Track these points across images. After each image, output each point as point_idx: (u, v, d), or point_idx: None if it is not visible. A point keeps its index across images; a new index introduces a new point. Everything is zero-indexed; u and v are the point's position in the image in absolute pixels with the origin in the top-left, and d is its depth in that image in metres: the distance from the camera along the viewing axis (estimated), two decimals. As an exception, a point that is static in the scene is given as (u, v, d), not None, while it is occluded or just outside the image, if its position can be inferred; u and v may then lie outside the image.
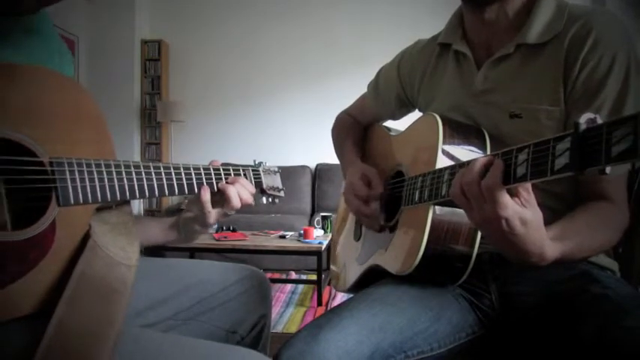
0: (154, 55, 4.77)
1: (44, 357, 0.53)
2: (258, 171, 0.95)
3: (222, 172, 0.83)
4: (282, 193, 1.02)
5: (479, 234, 0.75)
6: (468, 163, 0.67)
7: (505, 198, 0.58)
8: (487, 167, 0.59)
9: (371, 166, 0.99)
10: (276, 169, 1.03)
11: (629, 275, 0.86)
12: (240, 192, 0.82)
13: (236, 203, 0.81)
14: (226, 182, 0.82)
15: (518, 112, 0.79)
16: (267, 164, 0.99)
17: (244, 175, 0.89)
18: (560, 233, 0.67)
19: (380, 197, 0.94)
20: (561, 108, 0.76)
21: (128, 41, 4.66)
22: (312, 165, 4.64)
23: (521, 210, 0.59)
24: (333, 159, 4.38)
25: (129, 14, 4.65)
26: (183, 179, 0.76)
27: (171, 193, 0.74)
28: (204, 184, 0.79)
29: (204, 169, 0.80)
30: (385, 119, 1.15)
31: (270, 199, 0.99)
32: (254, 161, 0.97)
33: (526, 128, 0.78)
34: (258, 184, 0.93)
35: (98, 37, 4.60)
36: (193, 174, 0.78)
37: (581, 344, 0.63)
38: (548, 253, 0.63)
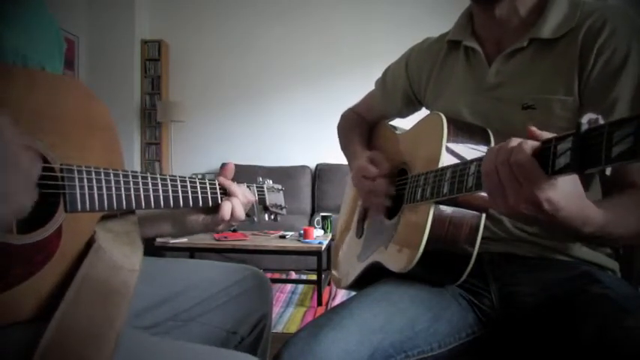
0: (154, 55, 4.76)
1: (43, 355, 0.53)
2: (262, 188, 0.98)
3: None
4: (284, 211, 1.05)
5: (480, 233, 0.75)
6: (472, 162, 0.67)
7: (541, 177, 0.52)
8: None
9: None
10: (280, 188, 1.06)
11: (630, 275, 0.86)
12: (235, 208, 0.83)
13: (240, 214, 0.83)
14: (228, 193, 0.84)
15: (531, 103, 0.79)
16: (270, 182, 1.02)
17: (248, 188, 0.92)
18: (598, 203, 0.62)
19: (389, 173, 0.92)
20: (575, 98, 0.76)
21: (128, 41, 4.66)
22: (312, 165, 4.64)
23: (561, 183, 0.53)
24: (333, 159, 4.37)
25: (129, 14, 4.64)
26: (189, 192, 0.78)
27: (177, 205, 0.75)
28: (210, 198, 0.81)
29: (210, 181, 0.82)
30: (392, 117, 1.15)
31: (272, 216, 1.03)
32: (258, 179, 1.00)
33: (539, 119, 0.77)
34: (262, 201, 0.97)
35: (98, 37, 4.59)
36: (199, 187, 0.79)
37: (582, 344, 0.63)
38: (591, 216, 0.59)
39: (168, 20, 4.90)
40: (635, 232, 0.67)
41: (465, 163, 0.69)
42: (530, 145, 0.53)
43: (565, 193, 0.54)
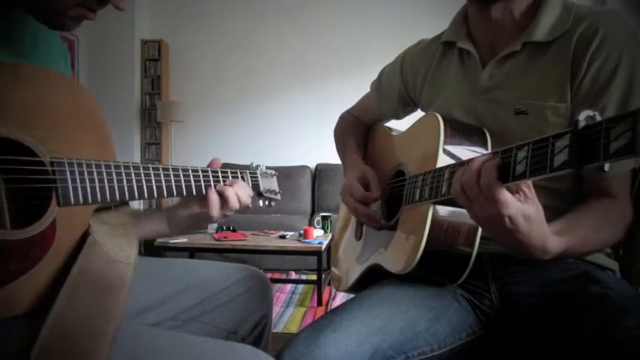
0: (154, 55, 4.76)
1: (42, 350, 0.53)
2: (256, 174, 0.96)
3: (220, 174, 0.84)
4: (278, 196, 1.03)
5: (479, 233, 0.75)
6: (468, 162, 0.67)
7: (506, 196, 0.57)
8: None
9: (372, 167, 1.00)
10: (273, 173, 1.04)
11: (630, 275, 0.86)
12: (239, 193, 0.83)
13: (234, 204, 0.83)
14: (225, 184, 0.83)
15: (524, 109, 0.79)
16: (264, 167, 1.01)
17: (242, 177, 0.90)
18: (563, 228, 0.67)
19: (378, 199, 0.94)
20: (567, 105, 0.76)
21: (128, 41, 4.66)
22: (312, 165, 4.64)
23: (524, 206, 0.59)
24: (333, 159, 4.39)
25: (129, 14, 4.64)
26: (182, 181, 0.77)
27: (170, 194, 0.75)
28: (203, 186, 0.80)
29: (203, 171, 0.81)
30: (388, 119, 1.15)
31: (266, 202, 1.01)
32: (251, 164, 0.99)
33: (532, 125, 0.78)
34: (256, 187, 0.95)
35: (98, 37, 4.59)
36: (192, 176, 0.79)
37: (582, 344, 0.63)
38: (551, 247, 0.63)
39: (169, 20, 4.90)
40: (598, 248, 0.76)
41: (462, 163, 0.69)
42: (495, 164, 0.57)
43: (526, 216, 0.59)
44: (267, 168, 1.02)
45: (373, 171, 0.98)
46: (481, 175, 0.59)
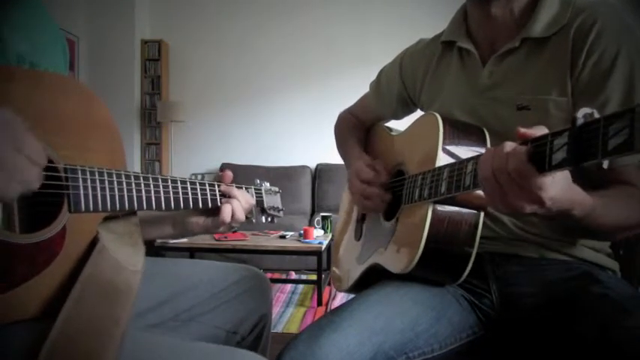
0: (154, 55, 4.76)
1: (49, 353, 0.53)
2: (260, 190, 0.99)
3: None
4: (281, 214, 1.06)
5: (478, 232, 0.75)
6: (468, 160, 0.67)
7: (541, 178, 0.53)
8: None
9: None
10: (277, 190, 1.07)
11: (630, 275, 0.86)
12: (235, 210, 0.85)
13: (240, 217, 0.86)
14: (228, 196, 0.86)
15: (526, 104, 0.79)
16: (267, 185, 1.03)
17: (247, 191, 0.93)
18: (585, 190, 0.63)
19: (386, 183, 0.93)
20: (568, 98, 0.76)
21: (128, 41, 4.66)
22: (312, 165, 4.63)
23: (555, 180, 0.54)
24: (333, 159, 4.37)
25: (129, 14, 4.64)
26: (189, 193, 0.78)
27: (177, 206, 0.76)
28: (209, 200, 0.82)
29: (210, 184, 0.83)
30: (387, 119, 1.15)
31: (269, 219, 1.04)
32: (256, 181, 1.01)
33: (534, 120, 0.77)
34: (260, 204, 0.97)
35: (98, 37, 4.59)
36: (199, 189, 0.81)
37: (582, 344, 0.63)
38: (579, 199, 0.60)
39: (168, 20, 4.89)
40: (621, 221, 0.70)
41: (461, 162, 0.69)
42: (525, 149, 0.53)
43: (561, 184, 0.55)
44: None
45: (379, 160, 0.97)
46: (509, 160, 0.55)
